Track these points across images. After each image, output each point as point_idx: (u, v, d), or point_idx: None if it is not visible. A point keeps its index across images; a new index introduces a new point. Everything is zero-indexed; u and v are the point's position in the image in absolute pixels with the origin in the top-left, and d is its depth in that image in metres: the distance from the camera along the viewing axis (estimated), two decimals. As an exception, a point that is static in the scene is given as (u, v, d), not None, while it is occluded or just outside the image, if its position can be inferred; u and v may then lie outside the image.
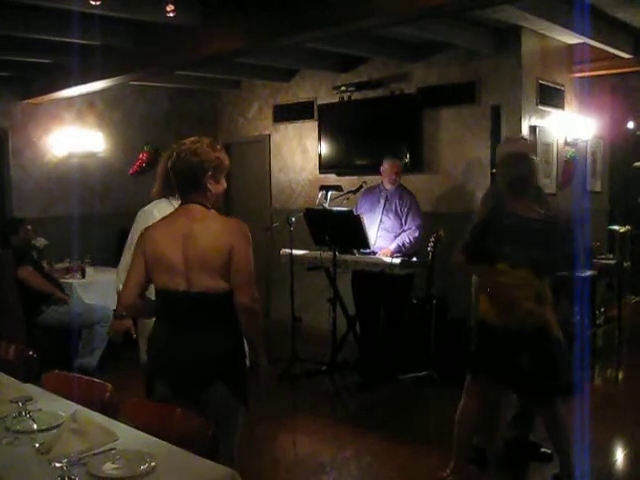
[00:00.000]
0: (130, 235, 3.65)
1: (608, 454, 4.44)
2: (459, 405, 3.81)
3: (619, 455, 4.51)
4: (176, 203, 3.37)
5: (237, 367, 2.81)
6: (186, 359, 2.72)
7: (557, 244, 3.53)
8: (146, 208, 3.66)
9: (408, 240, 5.88)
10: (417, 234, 5.89)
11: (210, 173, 2.76)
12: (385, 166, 6.10)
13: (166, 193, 3.32)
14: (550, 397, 3.70)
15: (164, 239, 2.75)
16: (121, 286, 3.11)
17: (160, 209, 3.41)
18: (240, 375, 2.82)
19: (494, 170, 5.92)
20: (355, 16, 4.57)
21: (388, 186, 6.08)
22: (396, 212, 6.00)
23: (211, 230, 2.73)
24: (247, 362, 2.88)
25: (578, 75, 6.96)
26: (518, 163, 3.73)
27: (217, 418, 2.65)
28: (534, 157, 3.89)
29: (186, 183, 2.78)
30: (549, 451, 4.13)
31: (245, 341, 2.84)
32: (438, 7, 4.29)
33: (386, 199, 6.06)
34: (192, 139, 2.80)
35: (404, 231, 5.94)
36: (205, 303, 2.71)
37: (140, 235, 2.87)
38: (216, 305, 2.73)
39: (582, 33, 5.81)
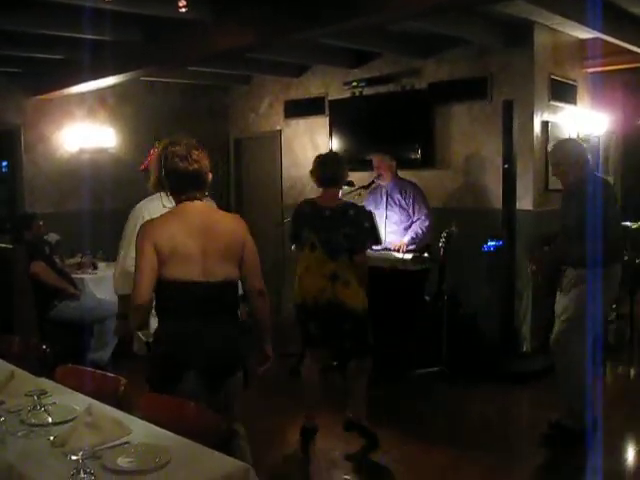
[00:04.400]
0: (126, 234, 3.69)
1: (620, 452, 4.43)
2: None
3: (630, 453, 4.48)
4: (167, 198, 3.46)
5: (246, 352, 3.00)
6: (219, 349, 2.83)
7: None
8: (137, 206, 3.77)
9: (420, 231, 5.87)
10: (427, 223, 5.89)
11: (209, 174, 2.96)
12: (373, 161, 6.06)
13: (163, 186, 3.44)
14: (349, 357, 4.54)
15: (180, 232, 2.81)
16: (126, 289, 3.22)
17: (150, 209, 3.49)
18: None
19: (506, 165, 5.90)
20: (366, 11, 4.57)
21: (382, 182, 6.04)
22: (400, 205, 5.96)
23: (228, 223, 2.96)
24: None
25: (591, 70, 6.93)
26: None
27: (229, 403, 2.90)
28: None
29: (193, 183, 2.89)
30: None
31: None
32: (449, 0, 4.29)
33: (387, 194, 6.03)
34: (187, 141, 2.92)
35: (414, 222, 5.92)
36: (226, 291, 2.87)
37: (143, 229, 2.85)
38: (232, 293, 2.92)
39: (595, 28, 5.76)
